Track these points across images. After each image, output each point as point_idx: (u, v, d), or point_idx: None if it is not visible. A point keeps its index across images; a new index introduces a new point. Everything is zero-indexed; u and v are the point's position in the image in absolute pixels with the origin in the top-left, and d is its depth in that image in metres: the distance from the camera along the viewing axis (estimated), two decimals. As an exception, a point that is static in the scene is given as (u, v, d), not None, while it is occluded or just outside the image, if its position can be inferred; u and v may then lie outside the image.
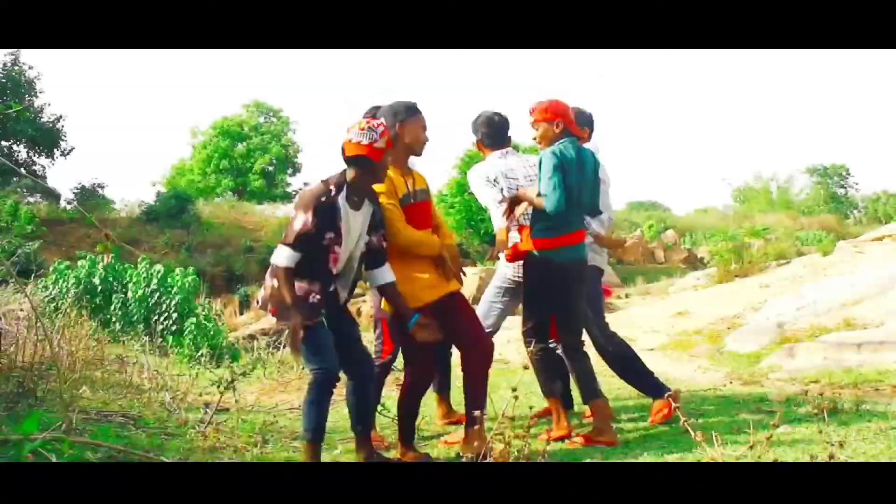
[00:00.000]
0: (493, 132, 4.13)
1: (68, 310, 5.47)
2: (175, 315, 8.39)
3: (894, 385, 4.68)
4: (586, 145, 3.89)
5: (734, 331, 7.62)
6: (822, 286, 8.69)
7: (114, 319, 8.39)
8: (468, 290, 8.93)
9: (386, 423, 4.27)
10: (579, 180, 3.60)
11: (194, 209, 23.89)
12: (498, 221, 3.91)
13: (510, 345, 6.49)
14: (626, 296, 14.63)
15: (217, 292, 15.50)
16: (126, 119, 69.41)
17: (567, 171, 3.54)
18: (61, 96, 64.63)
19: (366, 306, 11.86)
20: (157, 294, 8.56)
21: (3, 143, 23.73)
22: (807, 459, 2.69)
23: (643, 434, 3.78)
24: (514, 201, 3.75)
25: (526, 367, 3.22)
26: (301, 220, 3.15)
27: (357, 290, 4.23)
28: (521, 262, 3.83)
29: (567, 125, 3.67)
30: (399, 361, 3.83)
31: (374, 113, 3.79)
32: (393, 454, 3.57)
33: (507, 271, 4.11)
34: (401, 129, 3.51)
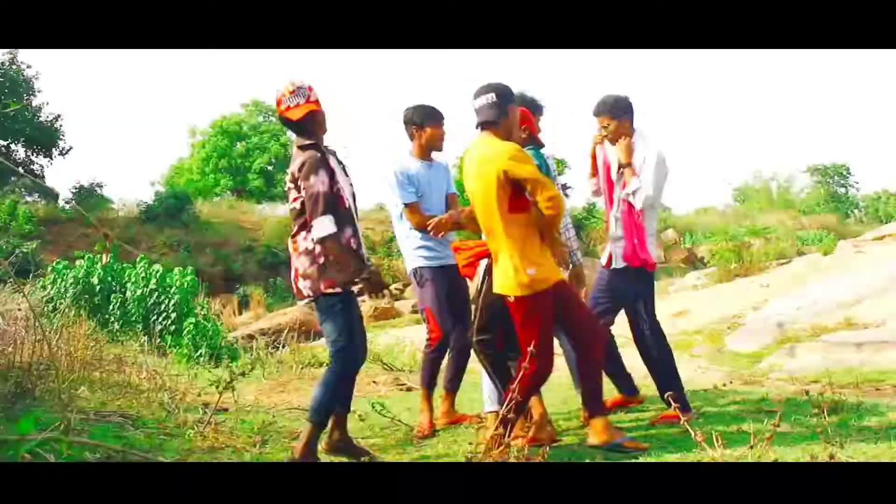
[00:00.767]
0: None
1: (66, 310, 5.48)
2: (174, 315, 8.37)
3: (895, 384, 4.67)
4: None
5: (734, 330, 7.62)
6: (822, 286, 8.69)
7: (112, 319, 8.36)
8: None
9: (385, 422, 4.26)
10: None
11: (193, 209, 23.87)
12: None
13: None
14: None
15: (216, 292, 15.46)
16: (124, 118, 69.37)
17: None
18: (60, 95, 64.45)
19: (364, 305, 11.86)
20: (156, 294, 8.54)
21: (1, 142, 23.72)
22: (807, 459, 2.68)
23: (643, 434, 3.77)
24: None
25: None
26: (317, 183, 3.26)
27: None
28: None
29: (532, 132, 3.70)
30: (399, 362, 3.81)
31: (410, 115, 4.05)
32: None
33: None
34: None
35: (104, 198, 25.13)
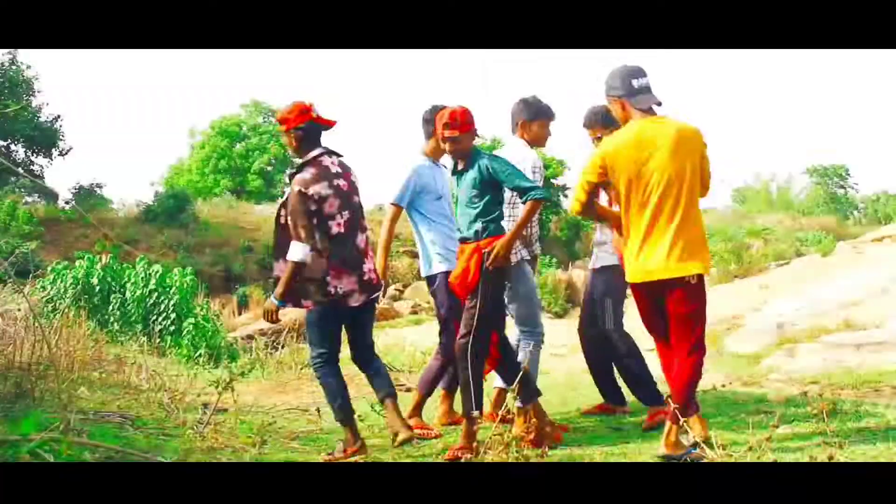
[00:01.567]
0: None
1: (66, 310, 5.47)
2: (173, 315, 8.37)
3: (894, 386, 4.68)
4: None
5: (734, 332, 7.63)
6: (821, 287, 8.70)
7: (112, 320, 8.36)
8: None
9: (385, 423, 4.25)
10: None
11: (193, 209, 23.83)
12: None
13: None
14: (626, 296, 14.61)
15: (215, 292, 15.44)
16: (124, 119, 69.29)
17: None
18: (59, 96, 64.42)
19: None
20: (156, 294, 8.54)
21: (1, 142, 23.70)
22: (807, 460, 2.68)
23: (643, 434, 3.77)
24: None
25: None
26: (299, 218, 3.40)
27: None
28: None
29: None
30: (398, 362, 3.81)
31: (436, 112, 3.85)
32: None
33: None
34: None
35: (104, 198, 25.09)
